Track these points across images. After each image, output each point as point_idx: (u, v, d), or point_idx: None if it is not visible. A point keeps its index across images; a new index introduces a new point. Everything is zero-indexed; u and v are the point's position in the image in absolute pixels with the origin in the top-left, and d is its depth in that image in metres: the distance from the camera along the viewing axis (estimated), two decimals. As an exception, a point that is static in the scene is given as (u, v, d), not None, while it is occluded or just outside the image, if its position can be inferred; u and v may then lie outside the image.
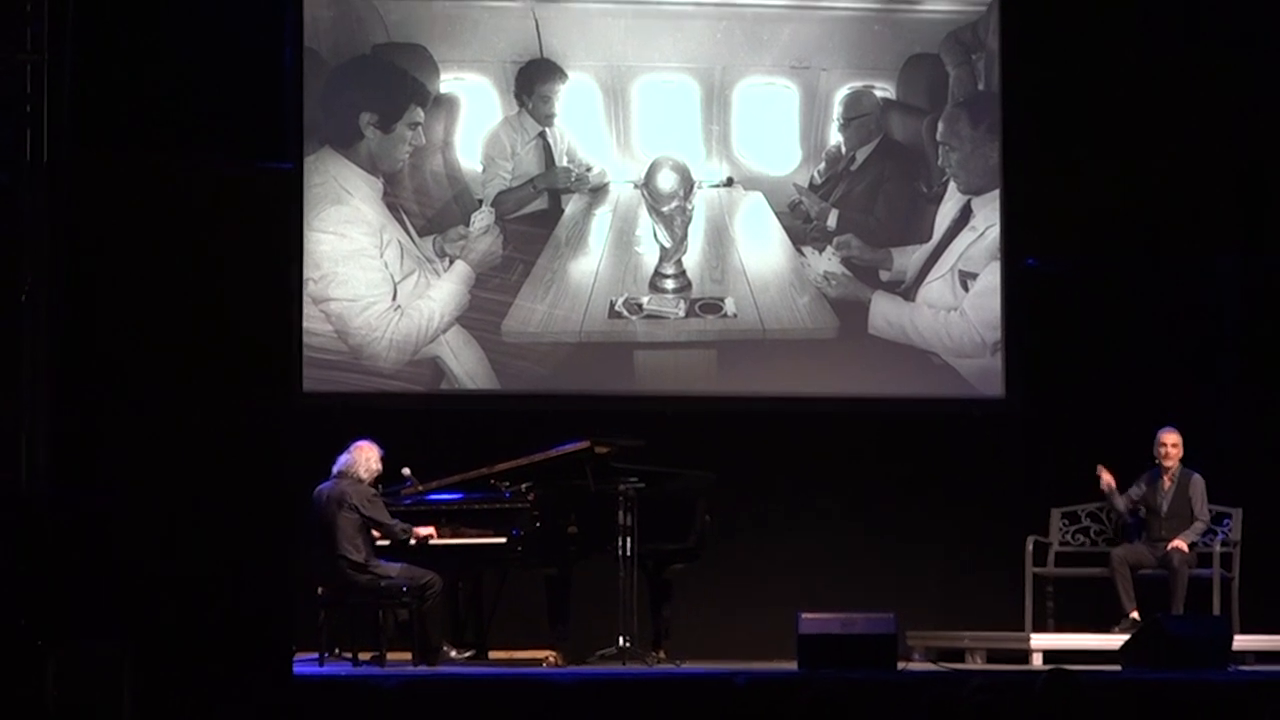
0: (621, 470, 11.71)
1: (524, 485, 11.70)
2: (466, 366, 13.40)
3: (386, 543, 11.58)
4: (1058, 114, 13.75)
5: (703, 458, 12.32)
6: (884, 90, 13.80)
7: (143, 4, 12.67)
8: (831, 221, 13.74)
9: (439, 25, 13.48)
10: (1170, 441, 12.71)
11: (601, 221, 13.58)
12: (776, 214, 13.69)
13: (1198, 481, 12.67)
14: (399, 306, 13.32)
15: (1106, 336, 13.70)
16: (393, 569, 11.41)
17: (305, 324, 13.12)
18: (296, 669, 9.66)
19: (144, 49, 12.61)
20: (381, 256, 13.34)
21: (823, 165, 13.76)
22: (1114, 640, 11.75)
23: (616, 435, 11.85)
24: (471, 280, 13.42)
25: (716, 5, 13.69)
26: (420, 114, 13.42)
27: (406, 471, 11.87)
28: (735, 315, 13.62)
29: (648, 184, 13.64)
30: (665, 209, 13.65)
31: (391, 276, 13.34)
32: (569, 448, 11.73)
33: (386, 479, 11.73)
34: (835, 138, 13.78)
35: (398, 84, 13.42)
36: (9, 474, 9.43)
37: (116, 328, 9.37)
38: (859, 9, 13.79)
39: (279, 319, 9.79)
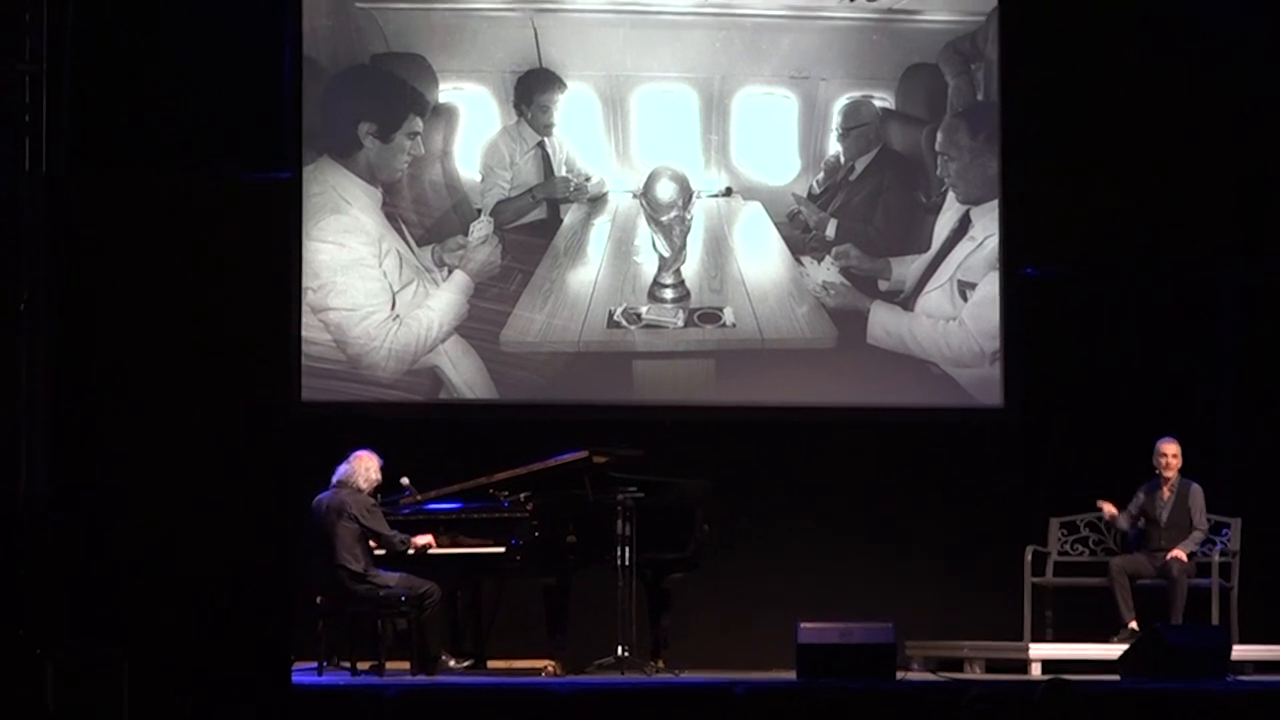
0: (620, 480, 11.70)
1: (523, 495, 11.69)
2: (465, 376, 13.39)
3: (384, 552, 11.58)
4: (1056, 124, 13.73)
5: (701, 467, 12.32)
6: (883, 100, 13.80)
7: (141, 14, 12.65)
8: (830, 231, 13.73)
9: (438, 35, 13.48)
10: (1170, 452, 12.71)
11: (600, 231, 13.58)
12: (775, 224, 13.68)
13: (1197, 491, 12.68)
14: (398, 316, 13.32)
15: (1105, 347, 13.69)
16: (391, 578, 11.41)
17: (304, 333, 13.12)
18: (295, 679, 9.67)
19: (143, 58, 12.58)
20: (380, 266, 13.34)
21: (821, 175, 13.75)
22: (1113, 650, 11.75)
23: (615, 445, 11.83)
24: (470, 290, 13.42)
25: (716, 15, 13.69)
26: (419, 123, 13.42)
27: (405, 481, 11.87)
28: (734, 325, 13.61)
29: (646, 193, 13.63)
30: (664, 218, 13.64)
31: (390, 286, 13.34)
32: (567, 457, 11.72)
33: (385, 488, 11.74)
34: (834, 147, 13.78)
35: (397, 93, 13.42)
36: (9, 481, 9.44)
37: (115, 336, 9.39)
38: (858, 19, 13.79)
39: (278, 328, 9.80)
